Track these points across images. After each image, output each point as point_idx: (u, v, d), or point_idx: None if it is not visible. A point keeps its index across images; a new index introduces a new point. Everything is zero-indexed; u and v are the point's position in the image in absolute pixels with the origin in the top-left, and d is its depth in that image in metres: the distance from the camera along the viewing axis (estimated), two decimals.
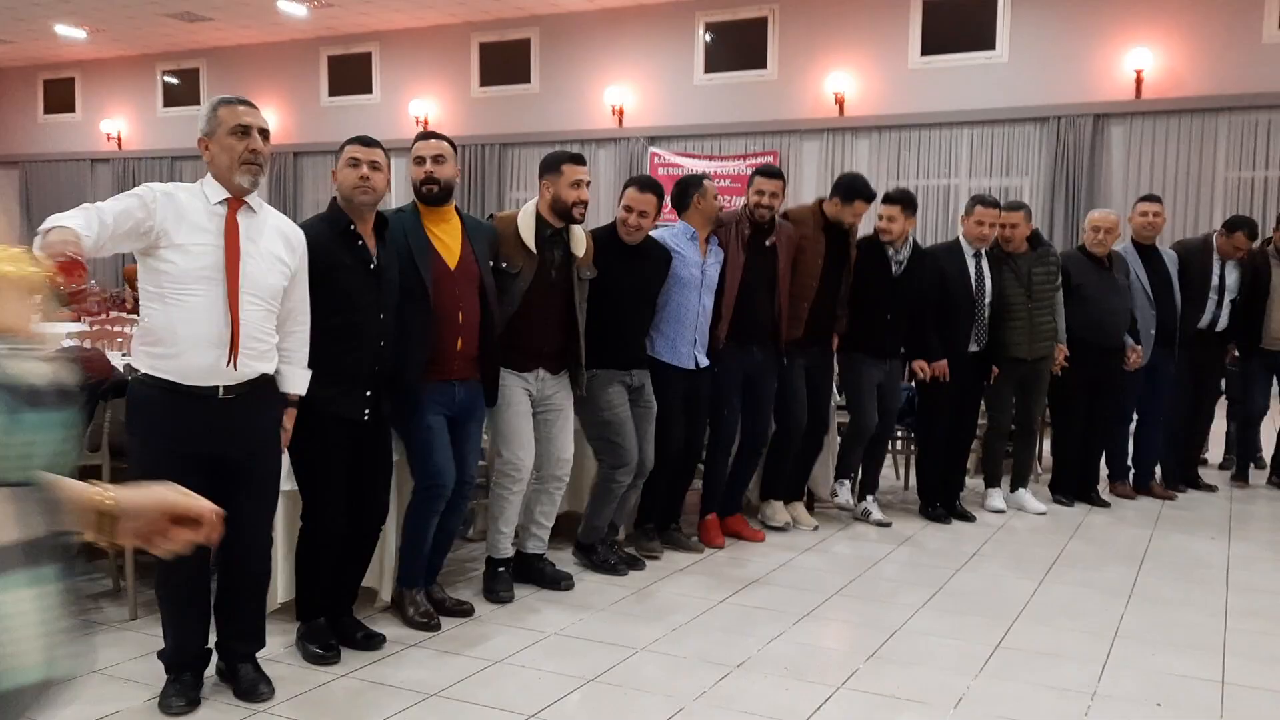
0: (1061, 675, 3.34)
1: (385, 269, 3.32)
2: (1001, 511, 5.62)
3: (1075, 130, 11.96)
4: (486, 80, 14.96)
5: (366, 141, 3.32)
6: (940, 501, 5.53)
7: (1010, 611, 3.98)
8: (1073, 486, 5.90)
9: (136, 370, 2.83)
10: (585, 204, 3.96)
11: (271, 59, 15.56)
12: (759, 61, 13.52)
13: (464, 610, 3.81)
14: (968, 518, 5.47)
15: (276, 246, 2.92)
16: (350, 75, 15.52)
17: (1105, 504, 5.84)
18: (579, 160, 4.00)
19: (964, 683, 3.27)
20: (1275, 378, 6.44)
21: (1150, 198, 6.11)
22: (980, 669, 3.39)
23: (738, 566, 4.58)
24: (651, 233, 4.41)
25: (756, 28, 13.43)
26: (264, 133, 2.90)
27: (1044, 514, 5.63)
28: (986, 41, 12.39)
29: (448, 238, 3.64)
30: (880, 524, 5.28)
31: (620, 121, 14.14)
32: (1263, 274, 6.14)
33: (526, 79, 14.73)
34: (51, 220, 2.54)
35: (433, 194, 3.60)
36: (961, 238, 5.48)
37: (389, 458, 3.51)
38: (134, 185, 2.98)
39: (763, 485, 5.24)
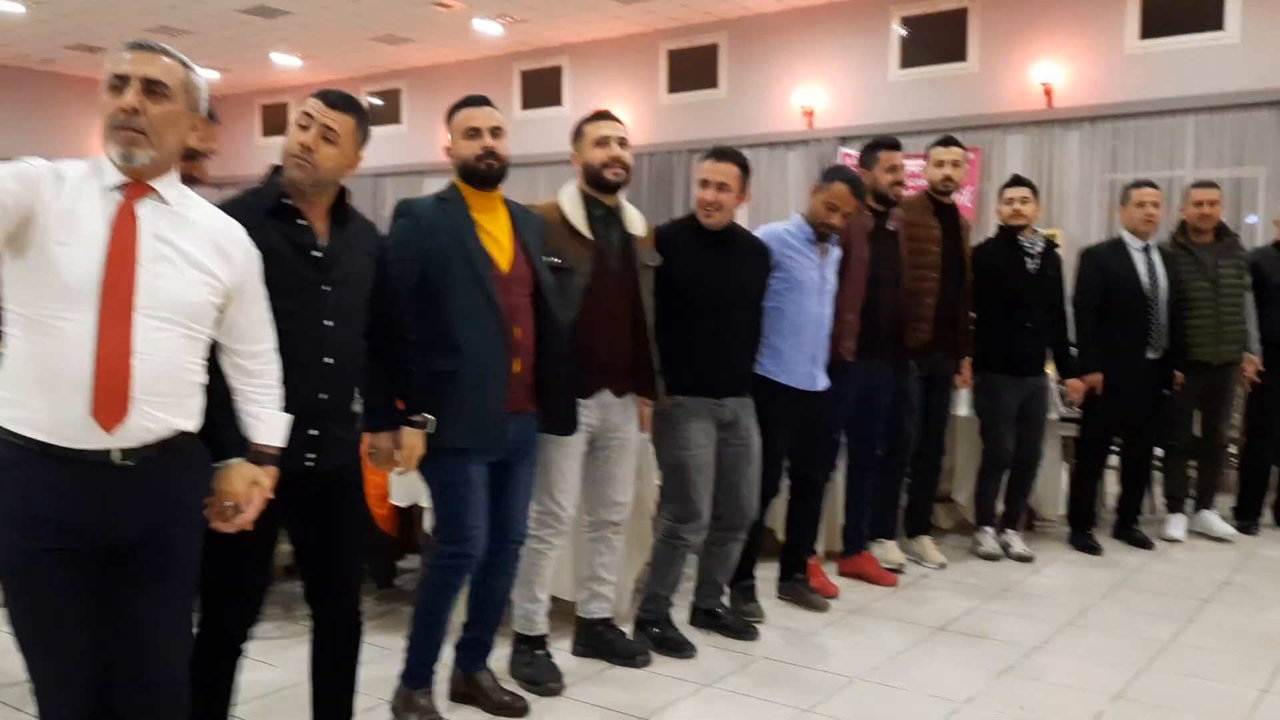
0: None
1: (338, 261, 2.39)
2: (1178, 541, 4.97)
3: None
4: (675, 87, 14.97)
5: (332, 100, 2.37)
6: (1115, 528, 4.98)
7: (1266, 651, 3.52)
8: (1259, 509, 5.21)
9: None
10: (622, 163, 3.15)
11: (467, 76, 16.06)
12: (958, 54, 12.95)
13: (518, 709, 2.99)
14: (1146, 544, 4.86)
15: (200, 251, 1.98)
16: (541, 88, 15.87)
17: None
18: (603, 115, 3.25)
19: None
20: None
21: None
22: (1249, 714, 2.99)
23: (910, 606, 4.26)
24: (762, 229, 3.77)
25: (956, 19, 12.87)
26: (154, 86, 1.92)
27: (1230, 541, 4.97)
28: (1214, 21, 11.44)
29: (497, 232, 2.87)
30: (1021, 558, 4.66)
31: (810, 122, 13.84)
32: None
33: (714, 84, 14.65)
34: None
35: (493, 171, 2.88)
36: (1123, 231, 4.88)
37: (355, 523, 2.52)
38: None
39: (872, 520, 4.49)
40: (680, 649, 3.48)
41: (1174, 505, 5.09)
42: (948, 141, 4.49)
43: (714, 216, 3.46)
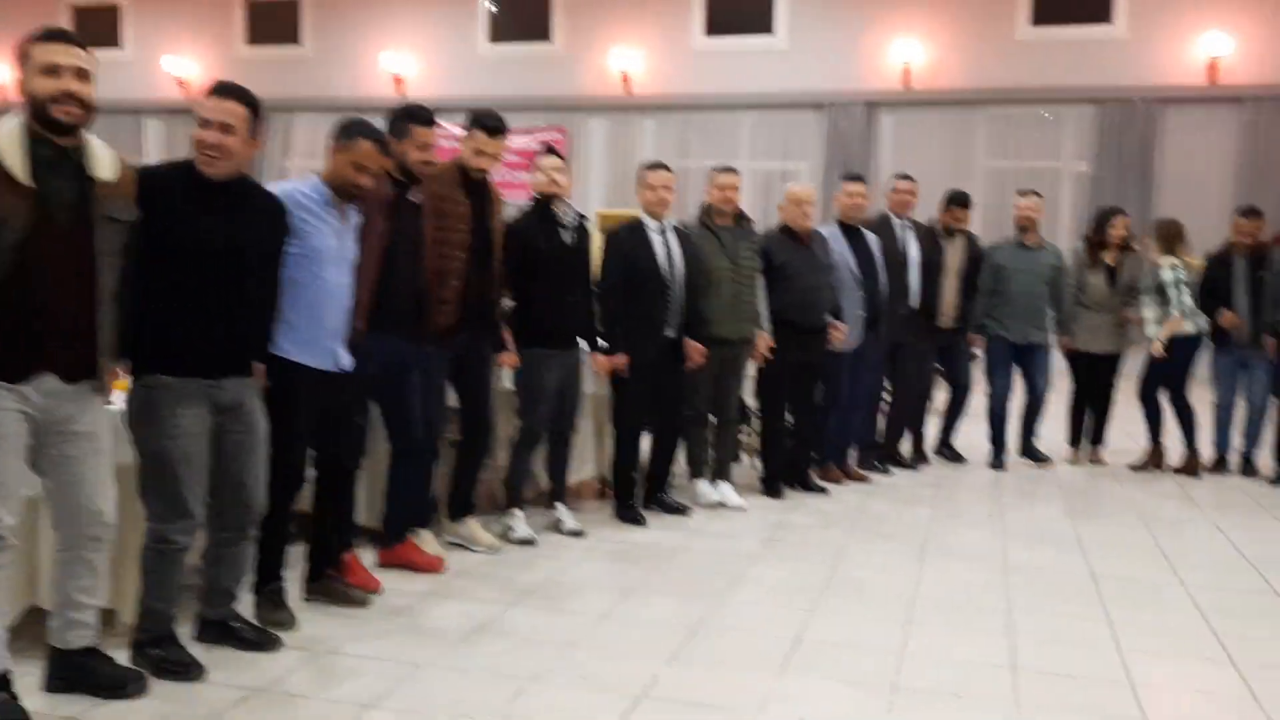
0: (861, 669, 3.31)
1: None
2: (718, 503, 5.29)
3: (849, 118, 12.37)
4: (254, 39, 14.03)
5: None
6: (649, 499, 5.15)
7: (805, 602, 3.95)
8: (784, 474, 5.70)
9: None
10: (78, 100, 2.63)
11: (3, 4, 14.00)
12: (543, 33, 13.26)
13: None
14: (679, 510, 5.12)
15: None
16: (96, 26, 14.17)
17: (822, 489, 5.72)
18: (58, 36, 2.69)
19: (766, 682, 3.19)
20: (939, 360, 6.59)
21: (854, 177, 6.10)
22: (784, 665, 3.32)
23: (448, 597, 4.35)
24: (273, 187, 3.34)
25: None
26: None
27: (744, 509, 5.30)
28: (766, 25, 12.62)
29: None
30: (573, 533, 4.69)
31: (401, 89, 13.55)
32: (936, 252, 6.36)
33: (296, 40, 13.91)
34: None
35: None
36: (643, 213, 4.97)
37: None
38: None
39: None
40: (186, 671, 3.03)
41: (696, 471, 5.40)
42: (494, 130, 4.21)
43: (215, 165, 2.95)
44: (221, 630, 3.28)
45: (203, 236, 2.95)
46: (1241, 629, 3.79)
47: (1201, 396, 6.64)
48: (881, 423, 6.42)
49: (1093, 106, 11.84)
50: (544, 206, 4.57)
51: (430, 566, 4.13)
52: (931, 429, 6.83)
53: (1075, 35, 11.82)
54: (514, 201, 4.40)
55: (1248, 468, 6.58)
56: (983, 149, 12.28)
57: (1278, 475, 6.39)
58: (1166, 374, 6.56)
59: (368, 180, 3.43)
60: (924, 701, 3.09)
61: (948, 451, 6.77)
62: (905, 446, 6.63)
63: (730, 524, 5.10)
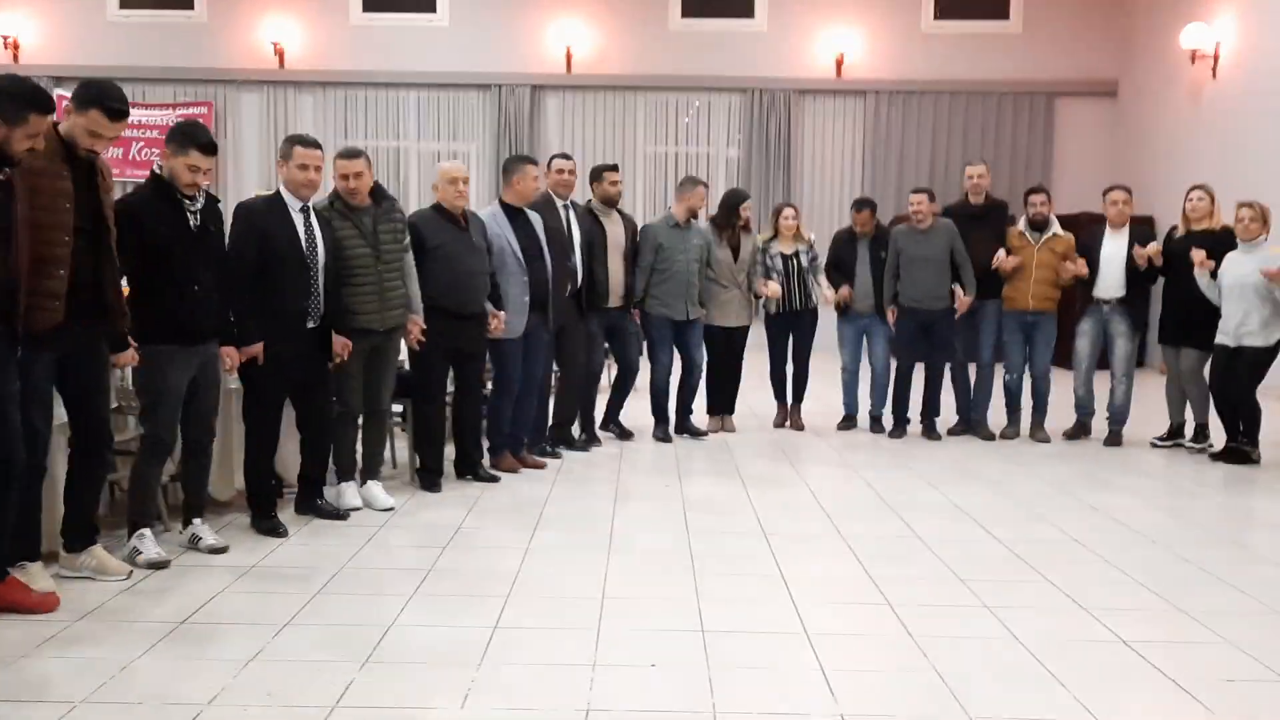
0: (559, 651, 3.32)
1: None
2: (359, 508, 4.98)
3: (515, 99, 12.43)
4: None
5: None
6: (296, 502, 4.87)
7: (497, 590, 3.92)
8: (459, 466, 5.63)
9: None
10: None
11: None
12: (185, 0, 12.25)
13: None
14: (340, 516, 4.83)
15: None
16: None
17: (495, 478, 5.64)
18: None
19: (466, 675, 3.12)
20: (606, 338, 6.78)
21: (526, 159, 6.01)
22: (482, 656, 3.26)
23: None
24: None
25: None
26: None
27: (391, 509, 5.01)
28: (427, 3, 12.38)
29: None
30: (215, 549, 4.23)
31: (15, 56, 12.05)
32: (599, 231, 6.49)
33: None
34: None
35: None
36: (283, 189, 4.62)
37: None
38: None
39: (13, 540, 3.57)
40: None
41: (346, 474, 5.06)
42: (118, 114, 3.63)
43: None
44: None
45: None
46: (893, 572, 4.19)
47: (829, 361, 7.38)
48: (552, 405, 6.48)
49: (740, 95, 12.62)
50: (164, 184, 4.06)
51: (40, 606, 3.52)
52: (599, 408, 7.00)
53: (722, 28, 12.54)
54: (135, 180, 3.92)
55: (875, 425, 7.35)
56: (643, 134, 12.75)
57: (894, 428, 7.20)
58: (786, 342, 7.36)
59: None
60: (623, 674, 3.14)
61: (616, 429, 6.97)
62: (575, 428, 6.74)
63: (424, 514, 4.96)
